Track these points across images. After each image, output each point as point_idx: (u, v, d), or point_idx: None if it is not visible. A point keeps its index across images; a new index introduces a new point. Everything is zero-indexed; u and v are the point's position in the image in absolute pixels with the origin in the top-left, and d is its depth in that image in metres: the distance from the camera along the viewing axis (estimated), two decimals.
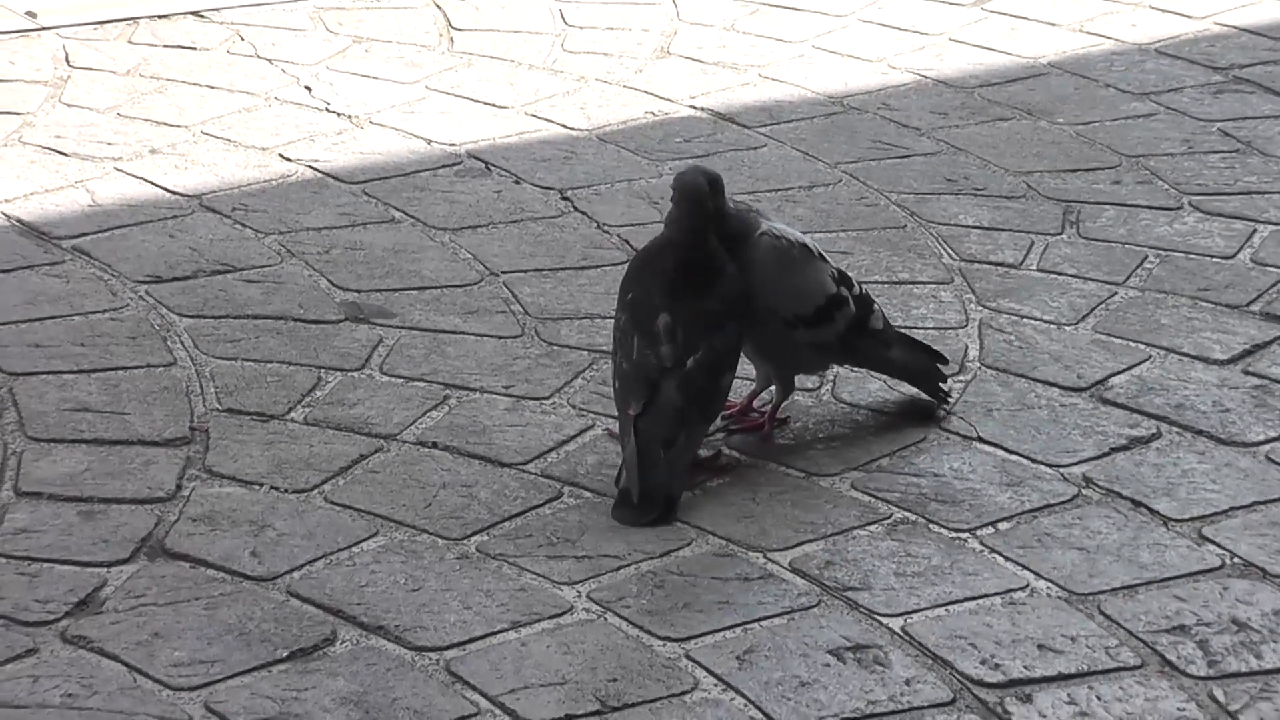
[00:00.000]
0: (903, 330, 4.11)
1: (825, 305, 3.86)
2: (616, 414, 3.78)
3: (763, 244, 3.82)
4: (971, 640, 3.38)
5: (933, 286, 4.49)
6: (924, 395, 4.01)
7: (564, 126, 5.22)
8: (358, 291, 4.41)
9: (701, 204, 3.74)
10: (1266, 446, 3.93)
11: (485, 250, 4.60)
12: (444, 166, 4.99)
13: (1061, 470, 3.84)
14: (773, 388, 3.93)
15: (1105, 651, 3.37)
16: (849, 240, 4.65)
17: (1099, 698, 3.27)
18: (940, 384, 4.01)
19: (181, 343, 4.18)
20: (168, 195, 4.79)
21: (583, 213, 4.79)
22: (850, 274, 3.95)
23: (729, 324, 3.76)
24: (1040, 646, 3.37)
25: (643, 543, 3.59)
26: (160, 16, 5.75)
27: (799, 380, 4.00)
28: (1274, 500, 3.77)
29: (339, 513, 3.66)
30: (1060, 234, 4.75)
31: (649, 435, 3.68)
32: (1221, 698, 3.28)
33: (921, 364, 4.01)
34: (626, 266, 3.89)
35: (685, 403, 3.70)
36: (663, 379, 3.72)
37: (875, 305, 3.95)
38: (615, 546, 3.58)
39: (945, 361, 4.05)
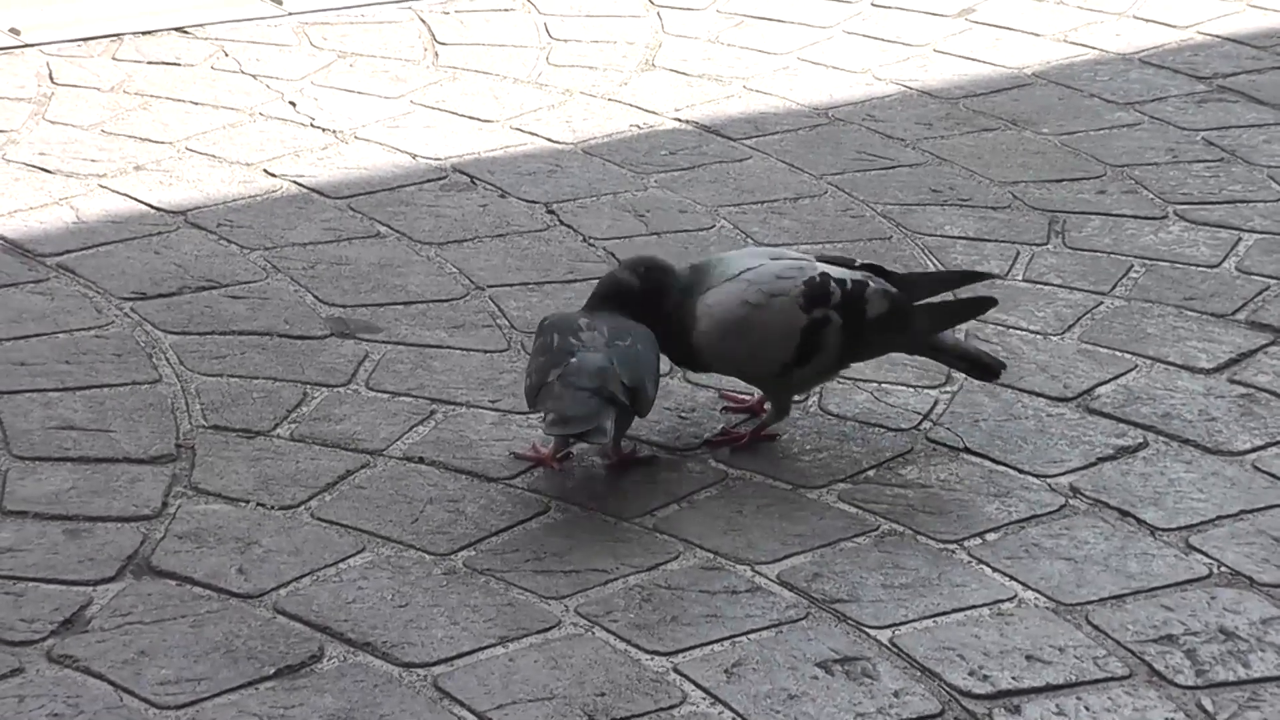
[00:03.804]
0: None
1: (803, 343, 3.84)
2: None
3: (704, 318, 3.81)
4: (960, 651, 3.38)
5: None
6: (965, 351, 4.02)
7: (549, 140, 5.21)
8: (343, 307, 4.40)
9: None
10: (1253, 455, 3.93)
11: (471, 264, 4.59)
12: (429, 181, 4.99)
13: (1048, 480, 3.84)
14: (768, 405, 3.93)
15: (1093, 662, 3.36)
16: (835, 251, 4.64)
17: (1088, 708, 3.27)
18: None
19: (167, 359, 4.18)
20: (152, 211, 4.79)
21: (568, 226, 4.78)
22: (827, 271, 3.85)
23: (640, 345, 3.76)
24: (1029, 657, 3.37)
25: (630, 556, 3.59)
26: (144, 33, 5.75)
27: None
28: (1261, 509, 3.77)
29: (325, 529, 3.65)
30: (1046, 244, 4.75)
31: (571, 381, 3.66)
32: (1210, 707, 3.28)
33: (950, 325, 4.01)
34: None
35: (609, 361, 3.67)
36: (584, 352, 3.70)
37: (869, 287, 3.84)
38: (602, 561, 3.57)
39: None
